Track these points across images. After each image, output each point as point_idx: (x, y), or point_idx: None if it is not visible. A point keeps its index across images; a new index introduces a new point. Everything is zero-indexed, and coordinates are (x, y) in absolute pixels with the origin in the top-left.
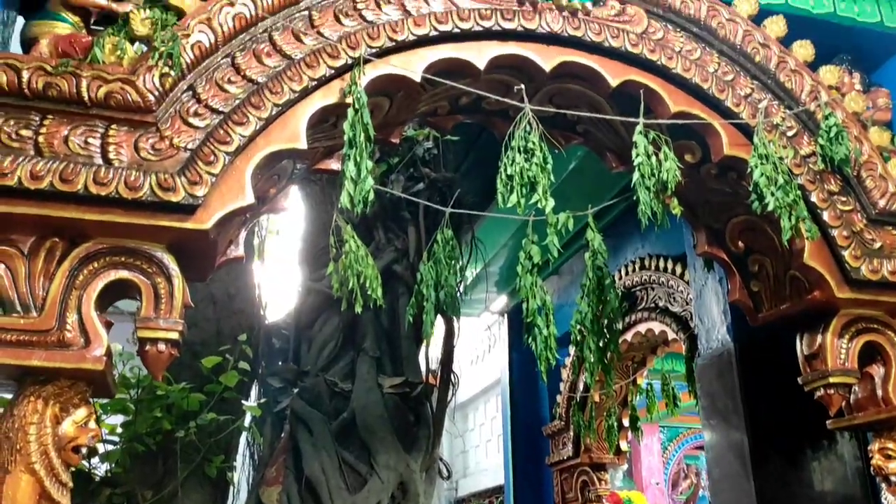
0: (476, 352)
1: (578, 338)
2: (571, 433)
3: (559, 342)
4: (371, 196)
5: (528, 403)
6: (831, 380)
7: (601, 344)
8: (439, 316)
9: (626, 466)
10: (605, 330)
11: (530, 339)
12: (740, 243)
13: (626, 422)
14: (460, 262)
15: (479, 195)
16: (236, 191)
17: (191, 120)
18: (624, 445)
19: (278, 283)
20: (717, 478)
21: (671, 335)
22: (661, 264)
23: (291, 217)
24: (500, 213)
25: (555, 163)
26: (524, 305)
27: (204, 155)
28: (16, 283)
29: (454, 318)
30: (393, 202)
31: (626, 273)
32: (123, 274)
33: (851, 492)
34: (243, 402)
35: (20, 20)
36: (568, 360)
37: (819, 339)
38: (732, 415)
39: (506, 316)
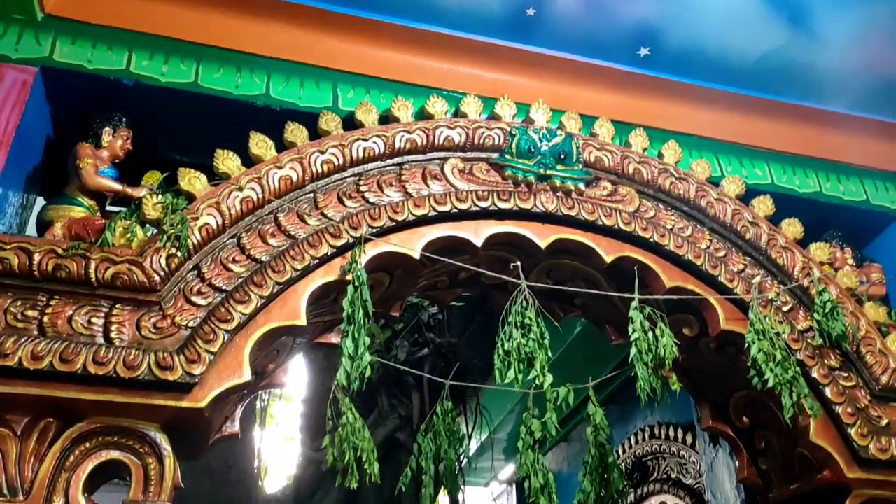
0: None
1: None
2: None
3: None
4: (368, 373)
5: None
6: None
7: None
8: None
9: None
10: None
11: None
12: (745, 418)
13: None
14: (462, 434)
15: (485, 360)
16: (234, 368)
17: (194, 298)
18: None
19: (279, 451)
20: None
21: None
22: (671, 433)
23: (295, 382)
24: (500, 386)
25: (558, 331)
26: (525, 484)
27: (204, 333)
28: (5, 466)
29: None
30: (398, 368)
31: (637, 442)
32: (114, 454)
33: None
34: None
35: (38, 202)
36: None
37: None
38: None
39: (514, 485)
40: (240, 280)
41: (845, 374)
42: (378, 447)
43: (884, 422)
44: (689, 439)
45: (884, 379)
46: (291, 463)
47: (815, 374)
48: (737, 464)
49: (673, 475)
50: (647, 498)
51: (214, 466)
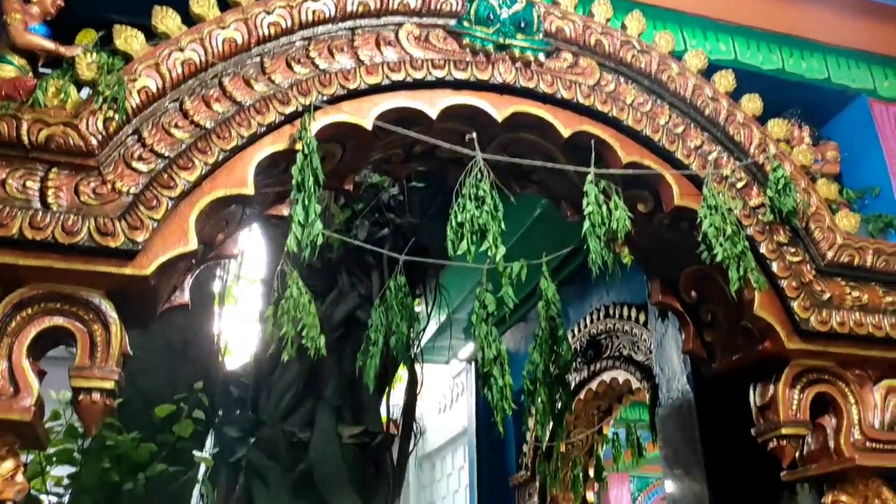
0: (444, 400)
1: (530, 389)
2: (537, 484)
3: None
4: (319, 240)
5: (495, 453)
6: (783, 431)
7: (553, 396)
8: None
9: None
10: (557, 382)
11: (486, 390)
12: (693, 293)
13: (592, 472)
14: (416, 311)
15: (444, 241)
16: (179, 235)
17: (134, 164)
18: (590, 496)
19: (241, 331)
20: None
21: (635, 384)
22: (626, 312)
23: (256, 263)
24: (455, 262)
25: (520, 210)
26: (479, 355)
27: (146, 199)
28: None
29: (417, 366)
30: (357, 247)
31: (592, 321)
32: (58, 321)
33: None
34: (195, 452)
35: None
36: (534, 409)
37: (771, 389)
38: (693, 465)
39: (473, 363)
40: (183, 146)
41: (793, 250)
42: (338, 324)
43: (826, 296)
44: (641, 318)
45: (830, 254)
46: (252, 342)
47: (763, 250)
48: (683, 336)
49: (625, 352)
50: (600, 374)
51: (172, 342)
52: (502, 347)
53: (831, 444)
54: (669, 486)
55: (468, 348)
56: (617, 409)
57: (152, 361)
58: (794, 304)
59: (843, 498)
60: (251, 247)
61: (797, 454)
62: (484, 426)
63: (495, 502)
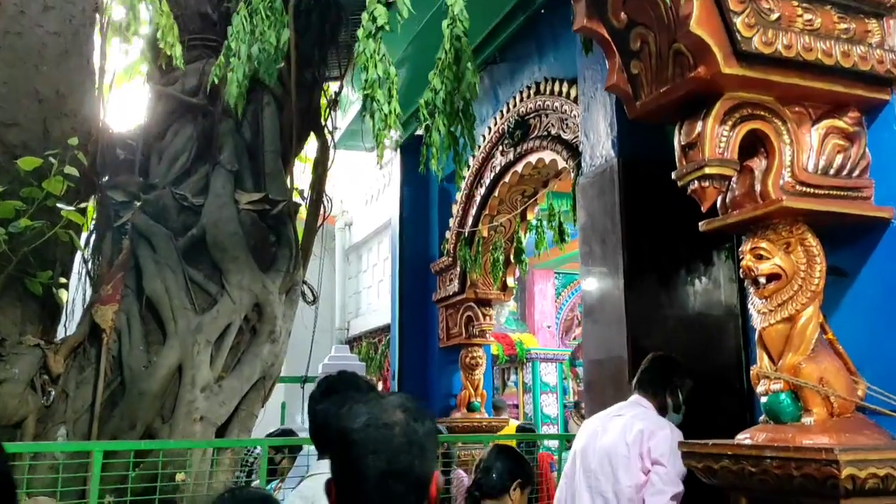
0: (371, 191)
1: (427, 119)
2: (458, 269)
3: None
4: None
5: (418, 241)
6: (707, 170)
7: (452, 128)
8: (312, 135)
9: (512, 303)
10: (460, 113)
11: (367, 116)
12: (623, 15)
13: (513, 260)
14: (286, 21)
15: None
16: None
17: None
18: (511, 282)
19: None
20: (590, 301)
21: (562, 163)
22: (556, 88)
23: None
24: None
25: None
26: (363, 76)
27: None
28: None
29: (327, 136)
30: None
31: (521, 100)
32: None
33: (724, 313)
34: (61, 206)
35: None
36: (458, 195)
37: (699, 126)
38: (610, 234)
39: (398, 150)
40: None
41: None
42: None
43: (775, 15)
44: (572, 93)
45: None
46: (143, 101)
47: None
48: (606, 72)
49: (553, 131)
50: (526, 155)
51: (44, 93)
52: (392, 70)
53: (758, 187)
54: (584, 261)
55: (393, 133)
56: (542, 195)
57: (19, 111)
58: (738, 21)
59: (764, 244)
60: None
61: (720, 199)
62: (408, 215)
63: (416, 288)
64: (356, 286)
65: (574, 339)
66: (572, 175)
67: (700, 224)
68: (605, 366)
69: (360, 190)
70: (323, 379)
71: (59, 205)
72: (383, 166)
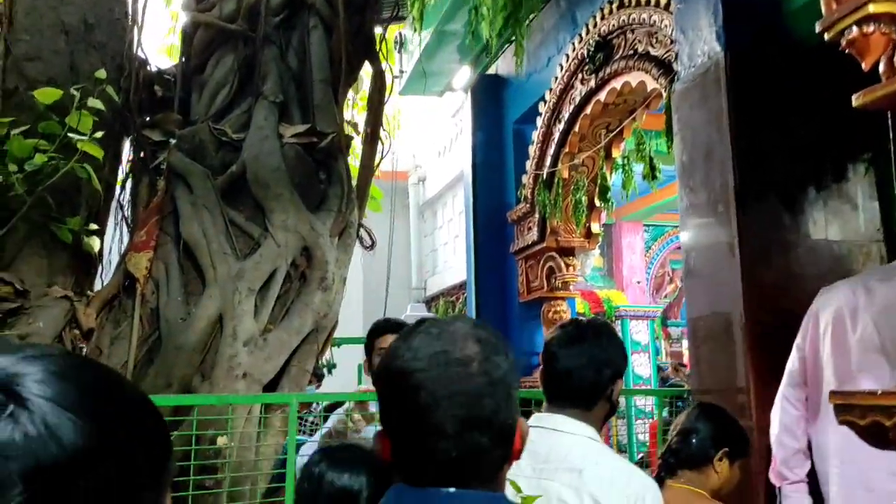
0: (443, 142)
1: None
2: (537, 216)
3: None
4: None
5: (493, 189)
6: (872, 8)
7: None
8: (367, 63)
9: (598, 256)
10: None
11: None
12: None
13: (597, 202)
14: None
15: None
16: None
17: None
18: (595, 228)
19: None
20: (693, 236)
21: (651, 84)
22: None
23: None
24: None
25: None
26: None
27: None
28: None
29: (384, 63)
30: None
31: (602, 18)
32: None
33: (865, 240)
34: (76, 137)
35: None
36: (535, 134)
37: None
38: (717, 146)
39: (469, 92)
40: None
41: None
42: (280, 6)
43: None
44: (662, 0)
45: None
46: (180, 31)
47: None
48: None
49: (640, 48)
50: (610, 80)
51: (70, 24)
52: None
53: None
54: (686, 181)
55: (464, 74)
56: (629, 129)
57: (43, 45)
58: None
59: None
60: None
61: (884, 58)
62: (482, 161)
63: (494, 241)
64: (432, 244)
65: (665, 296)
66: (664, 94)
67: (854, 97)
68: (717, 304)
69: (432, 142)
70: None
71: (70, 134)
72: (454, 115)
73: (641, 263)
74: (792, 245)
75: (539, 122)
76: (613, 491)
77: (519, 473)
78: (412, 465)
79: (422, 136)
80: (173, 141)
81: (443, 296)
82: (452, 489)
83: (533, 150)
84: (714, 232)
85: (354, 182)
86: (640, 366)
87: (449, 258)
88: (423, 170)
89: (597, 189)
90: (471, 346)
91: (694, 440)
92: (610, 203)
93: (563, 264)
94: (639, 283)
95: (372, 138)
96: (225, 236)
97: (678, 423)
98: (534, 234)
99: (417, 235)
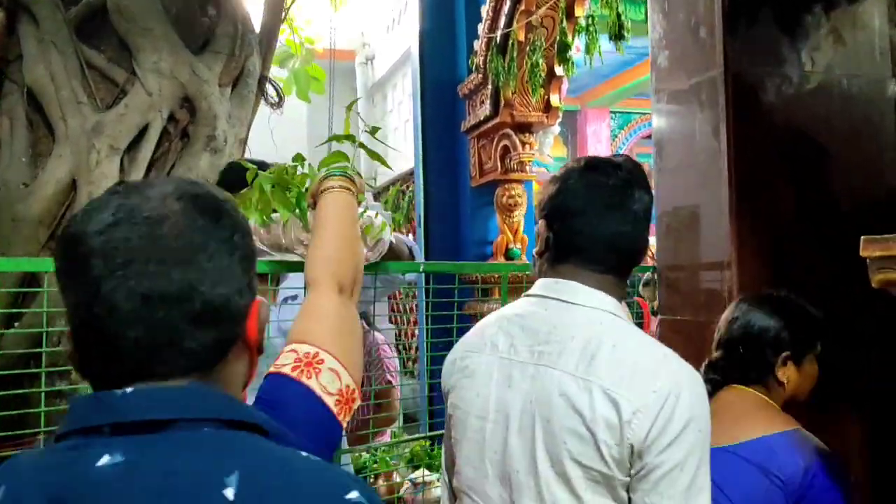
0: (392, 14)
1: None
2: (490, 87)
3: None
4: None
5: (444, 61)
6: None
7: None
8: None
9: (557, 129)
10: None
11: None
12: None
13: (558, 70)
14: None
15: None
16: None
17: None
18: (555, 100)
19: None
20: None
21: None
22: None
23: None
24: None
25: None
26: None
27: None
28: None
29: None
30: None
31: None
32: None
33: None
34: None
35: None
36: None
37: None
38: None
39: None
40: None
41: None
42: None
43: None
44: None
45: None
46: None
47: None
48: None
49: None
50: None
51: None
52: None
53: None
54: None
55: None
56: None
57: None
58: None
59: None
60: None
61: None
62: (430, 29)
63: (443, 120)
64: (383, 130)
65: None
66: None
67: None
68: (697, 154)
69: (380, 16)
70: None
71: None
72: None
73: (607, 152)
74: (789, 81)
75: None
76: (634, 385)
77: (513, 357)
78: (94, 363)
79: (369, 10)
80: None
81: (393, 185)
82: (130, 388)
83: (486, 10)
84: (694, 63)
85: (259, 27)
86: None
87: (399, 144)
88: (371, 48)
89: (555, 54)
90: (169, 204)
91: (742, 350)
92: (571, 65)
93: (518, 142)
94: None
95: None
96: (79, 81)
97: (719, 328)
98: (486, 109)
99: (367, 121)
